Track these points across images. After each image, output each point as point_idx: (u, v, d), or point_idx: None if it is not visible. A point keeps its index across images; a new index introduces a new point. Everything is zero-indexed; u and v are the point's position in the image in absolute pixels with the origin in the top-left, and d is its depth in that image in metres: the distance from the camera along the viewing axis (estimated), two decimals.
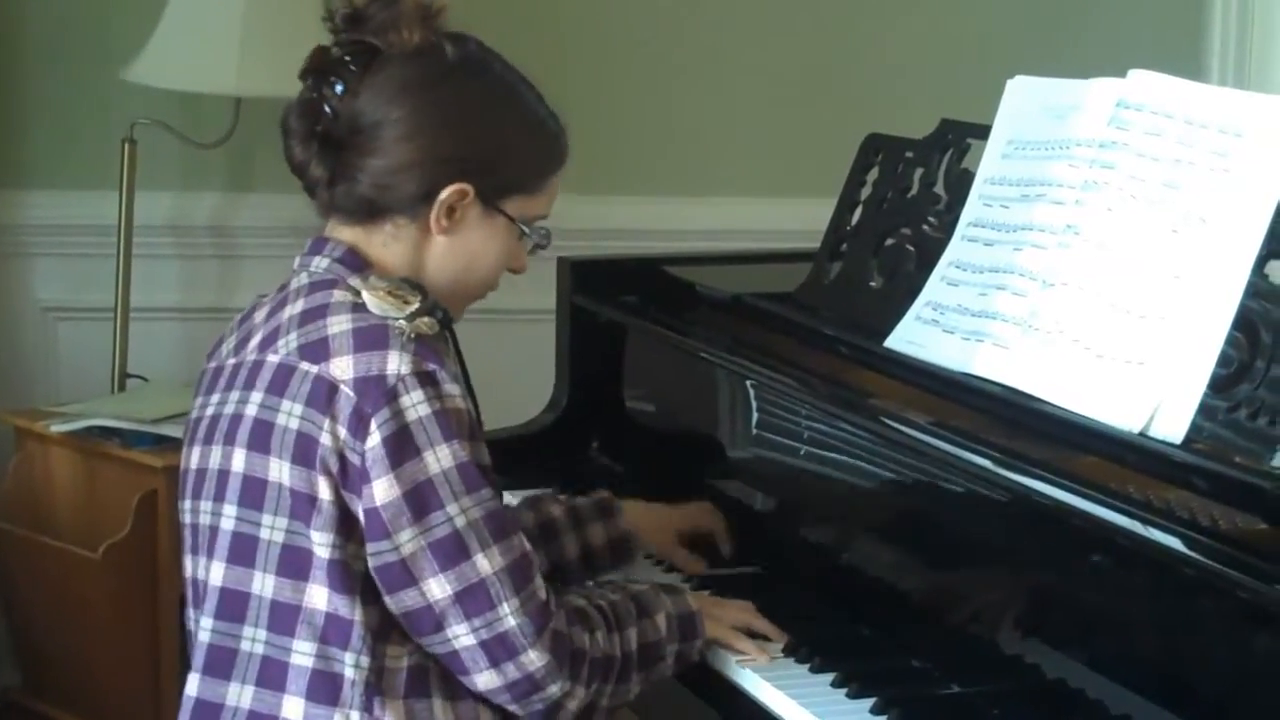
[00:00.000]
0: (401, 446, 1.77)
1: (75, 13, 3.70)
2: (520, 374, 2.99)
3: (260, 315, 1.92)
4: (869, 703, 1.91)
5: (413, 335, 1.80)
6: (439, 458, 1.78)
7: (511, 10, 3.53)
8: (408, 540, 1.78)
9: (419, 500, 1.78)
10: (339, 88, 1.87)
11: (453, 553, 1.79)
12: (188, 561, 1.93)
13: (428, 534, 1.78)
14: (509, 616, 1.80)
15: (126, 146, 3.53)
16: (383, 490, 1.77)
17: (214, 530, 1.87)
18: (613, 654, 1.90)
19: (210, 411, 1.91)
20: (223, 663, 1.86)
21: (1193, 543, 1.66)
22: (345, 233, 1.92)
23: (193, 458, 1.92)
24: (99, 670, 3.37)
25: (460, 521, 1.79)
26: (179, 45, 3.40)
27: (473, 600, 1.79)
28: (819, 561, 2.22)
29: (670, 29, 3.81)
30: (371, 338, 1.81)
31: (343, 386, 1.78)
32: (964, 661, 1.95)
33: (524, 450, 2.64)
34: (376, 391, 1.78)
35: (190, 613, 1.93)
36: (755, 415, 2.35)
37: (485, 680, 1.82)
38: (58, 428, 3.38)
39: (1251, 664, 1.63)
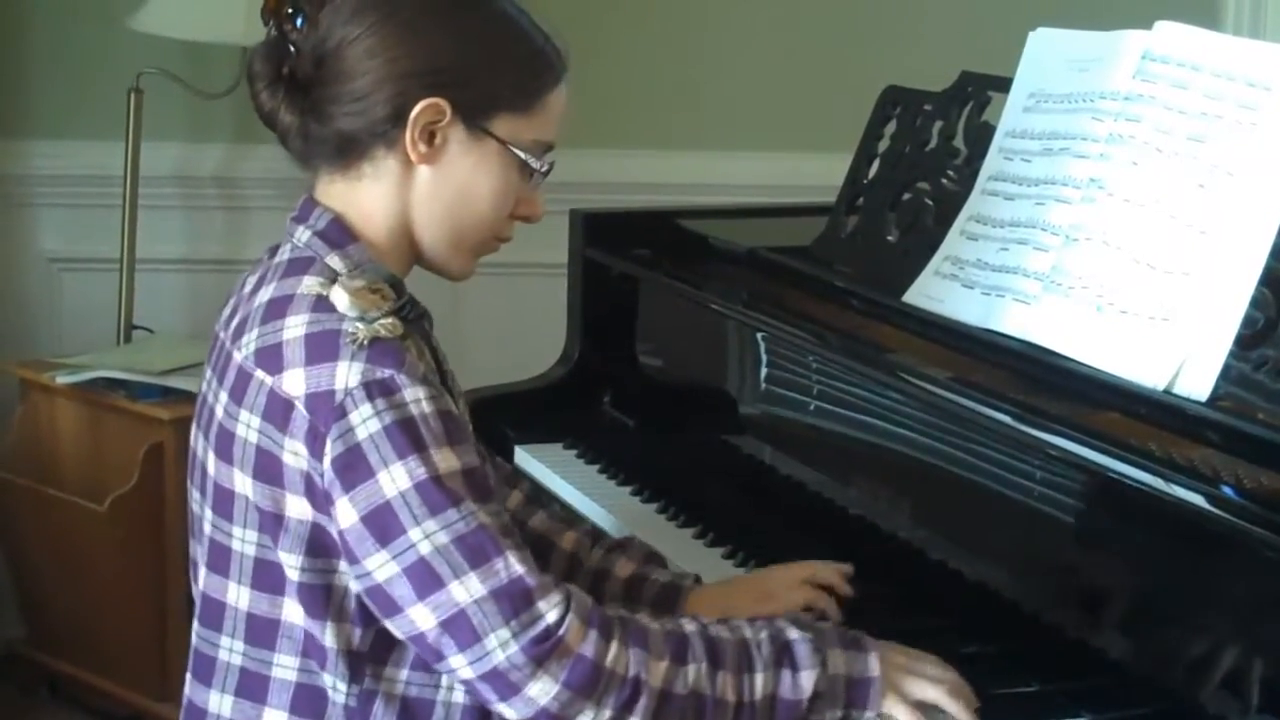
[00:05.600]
0: (353, 466, 1.64)
1: None
2: (532, 328, 2.98)
3: (250, 284, 1.81)
4: None
5: (366, 341, 1.66)
6: (394, 478, 1.63)
7: None
8: (378, 566, 1.64)
9: (379, 524, 1.64)
10: (299, 21, 1.76)
11: (426, 580, 1.64)
12: (191, 543, 1.86)
13: (399, 559, 1.64)
14: (497, 650, 1.63)
15: (132, 96, 3.52)
16: (343, 513, 1.65)
17: (201, 529, 1.81)
18: (709, 694, 1.67)
19: (203, 388, 1.83)
20: (205, 669, 1.80)
21: (1217, 500, 1.64)
22: (329, 188, 1.79)
23: (193, 433, 1.84)
24: (104, 623, 3.37)
25: (425, 548, 1.63)
26: None
27: (458, 631, 1.64)
28: (828, 519, 2.20)
29: None
30: (322, 347, 1.67)
31: (296, 404, 1.67)
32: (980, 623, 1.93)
33: (535, 404, 2.63)
34: (326, 408, 1.65)
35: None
36: (768, 370, 2.33)
37: (508, 713, 1.66)
38: (63, 379, 3.36)
39: (1274, 620, 1.62)
